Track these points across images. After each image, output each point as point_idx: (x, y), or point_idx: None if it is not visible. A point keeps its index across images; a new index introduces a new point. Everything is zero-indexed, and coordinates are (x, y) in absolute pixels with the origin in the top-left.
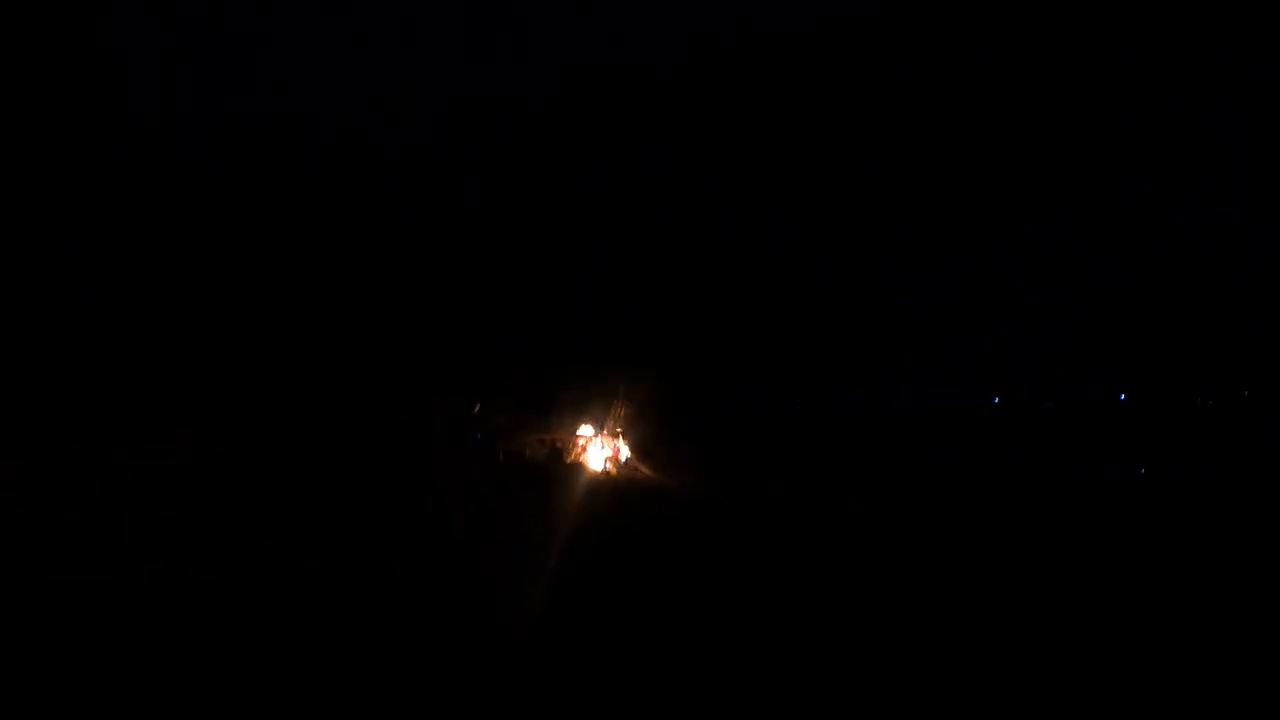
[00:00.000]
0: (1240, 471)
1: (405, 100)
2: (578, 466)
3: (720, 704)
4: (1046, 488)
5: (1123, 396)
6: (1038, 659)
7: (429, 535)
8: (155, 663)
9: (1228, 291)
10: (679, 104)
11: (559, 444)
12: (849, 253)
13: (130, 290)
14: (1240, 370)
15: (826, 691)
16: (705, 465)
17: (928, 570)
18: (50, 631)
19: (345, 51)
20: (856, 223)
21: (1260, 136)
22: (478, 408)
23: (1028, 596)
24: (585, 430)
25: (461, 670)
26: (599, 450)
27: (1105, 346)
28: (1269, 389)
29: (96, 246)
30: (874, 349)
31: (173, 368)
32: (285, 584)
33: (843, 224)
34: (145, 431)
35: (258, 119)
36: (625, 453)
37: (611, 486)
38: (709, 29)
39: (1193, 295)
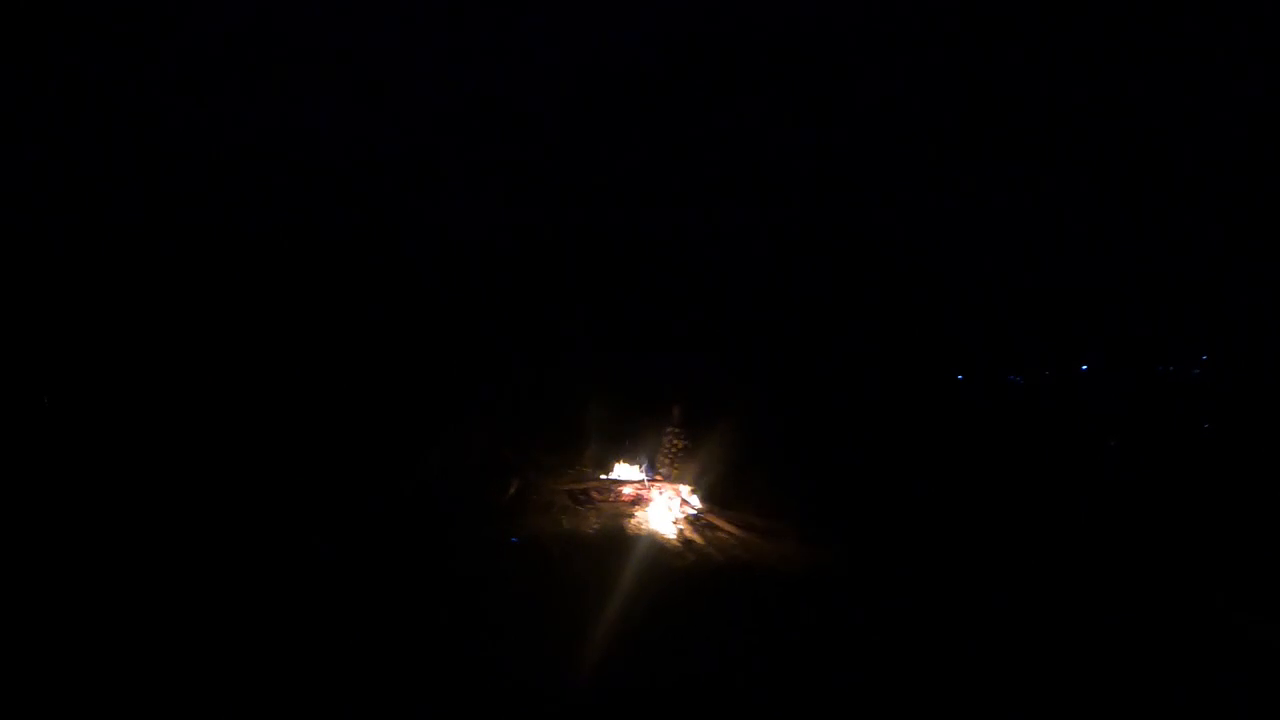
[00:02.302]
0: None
1: (405, 100)
2: (642, 537)
3: None
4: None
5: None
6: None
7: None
8: (155, 663)
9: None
10: (679, 103)
11: (597, 496)
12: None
13: (130, 290)
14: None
15: None
16: (802, 507)
17: None
18: (50, 631)
19: (345, 51)
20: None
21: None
22: (514, 488)
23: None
24: (629, 472)
25: (461, 673)
26: (663, 504)
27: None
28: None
29: (96, 247)
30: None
31: (171, 368)
32: (285, 584)
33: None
34: (145, 431)
35: (258, 122)
36: (693, 503)
37: (697, 571)
38: (708, 29)
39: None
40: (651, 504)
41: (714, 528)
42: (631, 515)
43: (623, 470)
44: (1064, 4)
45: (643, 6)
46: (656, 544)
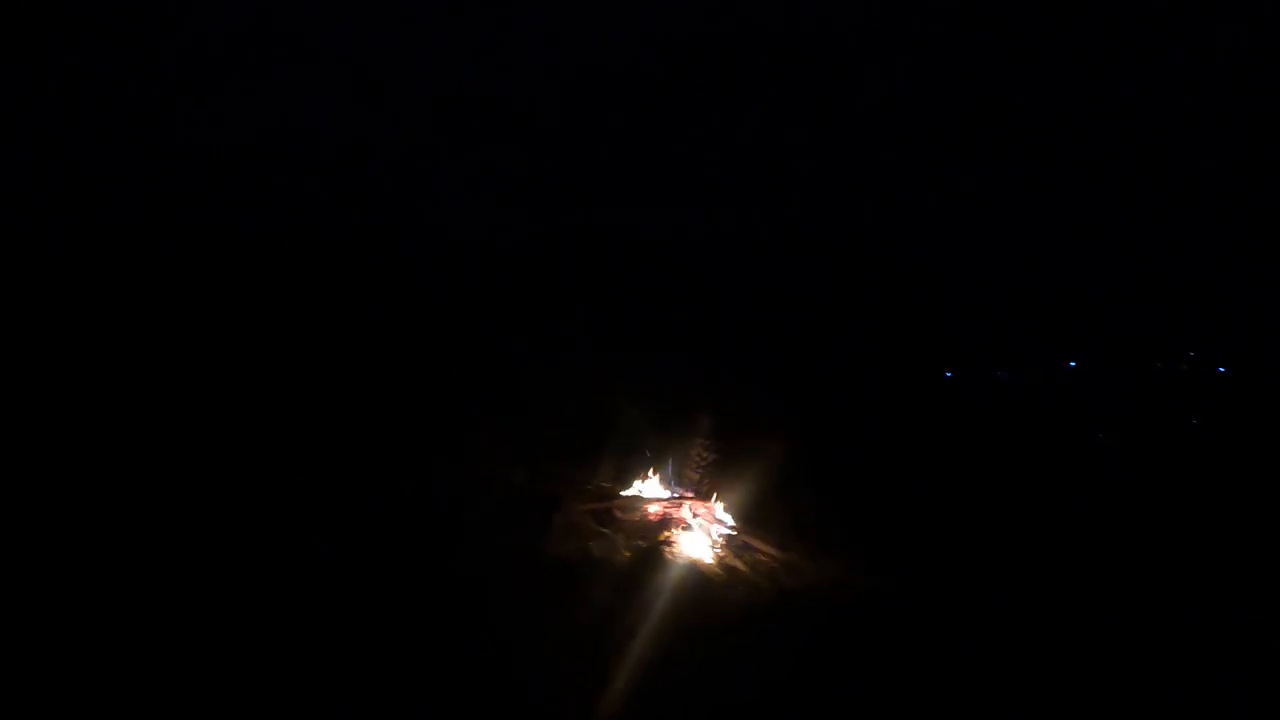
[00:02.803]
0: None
1: (405, 100)
2: (679, 563)
3: None
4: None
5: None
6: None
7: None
8: (153, 662)
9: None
10: (679, 103)
11: (620, 515)
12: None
13: (130, 290)
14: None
15: None
16: (845, 520)
17: None
18: (49, 631)
19: (345, 51)
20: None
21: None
22: (556, 523)
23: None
24: (652, 488)
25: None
26: (696, 524)
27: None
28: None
29: (96, 247)
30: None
31: (172, 367)
32: (285, 584)
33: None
34: (145, 431)
35: (258, 122)
36: (727, 521)
37: (749, 602)
38: (708, 29)
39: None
40: (683, 524)
41: (752, 549)
42: (663, 538)
43: (645, 486)
44: (1064, 4)
45: (643, 6)
46: (698, 571)
